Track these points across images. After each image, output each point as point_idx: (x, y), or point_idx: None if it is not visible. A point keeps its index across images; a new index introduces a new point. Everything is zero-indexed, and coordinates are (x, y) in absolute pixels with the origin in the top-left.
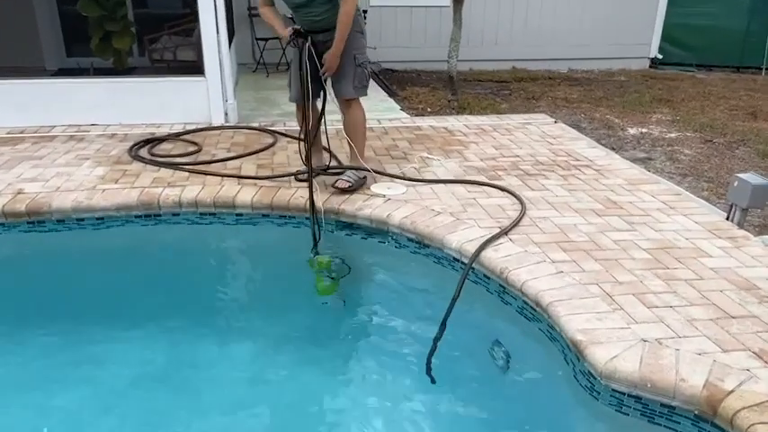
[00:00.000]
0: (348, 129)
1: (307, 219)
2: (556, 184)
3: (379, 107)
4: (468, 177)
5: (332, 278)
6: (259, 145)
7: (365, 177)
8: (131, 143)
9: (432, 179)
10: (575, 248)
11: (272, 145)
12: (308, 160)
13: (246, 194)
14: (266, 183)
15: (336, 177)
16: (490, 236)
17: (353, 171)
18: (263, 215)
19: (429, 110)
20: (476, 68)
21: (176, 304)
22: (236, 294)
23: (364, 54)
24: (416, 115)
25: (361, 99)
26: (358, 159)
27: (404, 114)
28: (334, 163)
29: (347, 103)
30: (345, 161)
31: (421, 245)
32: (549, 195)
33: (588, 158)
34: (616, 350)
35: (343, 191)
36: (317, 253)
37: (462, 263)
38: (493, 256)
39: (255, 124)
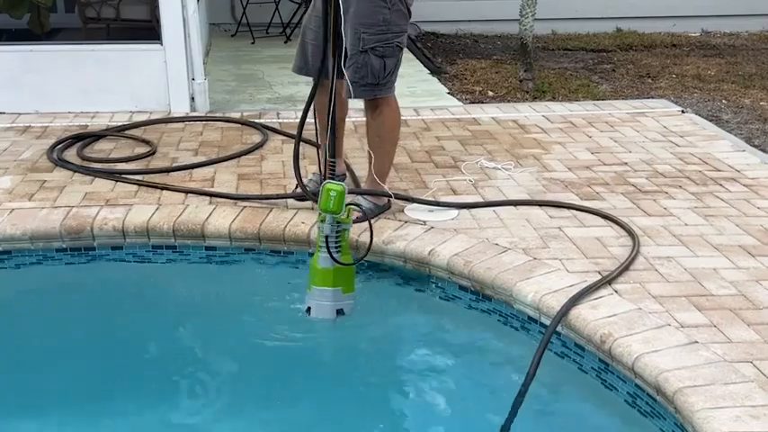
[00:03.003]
0: (369, 135)
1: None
2: (685, 207)
3: (417, 90)
4: (549, 196)
5: (337, 247)
6: (241, 145)
7: (387, 205)
8: (53, 141)
9: (494, 201)
10: (715, 306)
11: (260, 145)
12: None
13: (222, 218)
14: (252, 201)
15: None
16: (585, 285)
17: (368, 198)
18: (247, 249)
19: (491, 94)
20: (561, 31)
21: (115, 387)
22: (207, 375)
23: (382, 35)
24: (472, 102)
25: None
26: (377, 180)
27: (453, 101)
28: (347, 180)
29: (368, 102)
30: (361, 178)
31: (479, 296)
32: (675, 224)
33: (734, 168)
34: None
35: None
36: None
37: (542, 325)
38: (589, 317)
39: (236, 115)
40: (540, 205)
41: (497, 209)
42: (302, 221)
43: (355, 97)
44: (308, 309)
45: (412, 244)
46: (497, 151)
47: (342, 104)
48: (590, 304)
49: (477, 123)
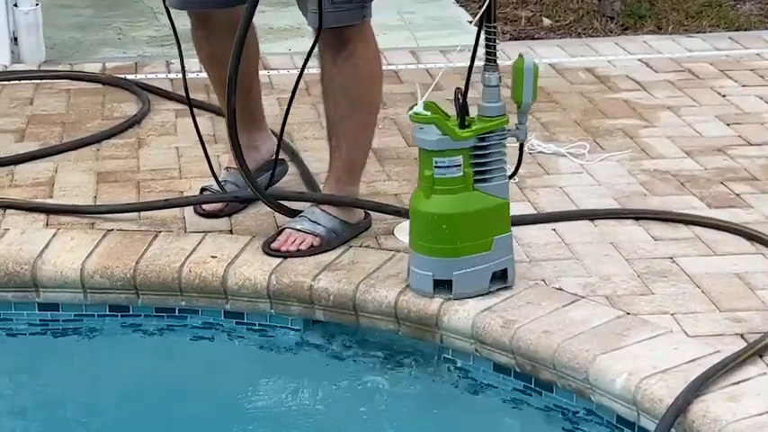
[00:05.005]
0: (331, 97)
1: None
2: None
3: (416, 18)
4: (653, 203)
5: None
6: (103, 120)
7: (365, 222)
8: None
9: (554, 212)
10: None
11: (137, 121)
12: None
13: (69, 252)
14: (123, 222)
15: (282, 225)
16: (718, 360)
17: (329, 211)
18: (114, 308)
19: (548, 22)
20: None
21: None
22: None
23: None
24: (515, 38)
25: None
26: (346, 178)
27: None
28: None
29: (333, 37)
30: (320, 176)
31: (530, 382)
32: None
33: None
34: None
35: (291, 255)
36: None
37: (643, 430)
38: (726, 415)
39: (93, 67)
40: (636, 218)
41: (560, 226)
42: (211, 255)
43: (327, 25)
44: (437, 282)
45: (408, 293)
46: (560, 124)
47: (249, 47)
48: (727, 393)
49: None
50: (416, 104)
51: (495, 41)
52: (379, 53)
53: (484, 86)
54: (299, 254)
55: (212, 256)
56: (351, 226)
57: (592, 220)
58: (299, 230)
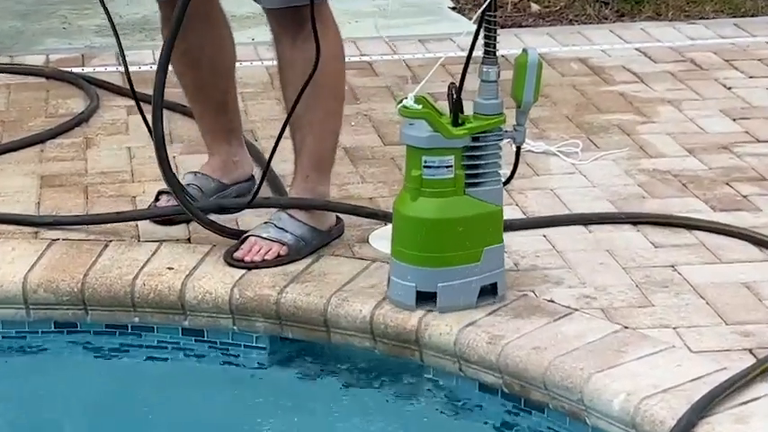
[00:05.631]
0: (291, 86)
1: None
2: None
3: (389, 3)
4: (652, 205)
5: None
6: (46, 118)
7: (336, 228)
8: None
9: (544, 217)
10: None
11: (85, 118)
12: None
13: (9, 264)
14: (70, 231)
15: (246, 233)
16: (725, 379)
17: (297, 217)
18: (60, 324)
19: (536, 8)
20: None
21: None
22: None
23: None
24: (499, 25)
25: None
26: (314, 177)
27: (463, 22)
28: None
29: (290, 18)
30: (287, 178)
31: (519, 403)
32: None
33: None
34: None
35: (255, 266)
36: None
37: None
38: None
39: (35, 59)
40: (634, 223)
41: (551, 232)
42: (168, 266)
43: (285, 5)
44: (421, 294)
45: (385, 306)
46: (551, 120)
47: (220, 39)
48: (735, 414)
49: (509, 65)
50: (406, 98)
51: (495, 33)
52: (339, 33)
53: (481, 81)
54: (264, 264)
55: (168, 268)
56: (321, 233)
57: (586, 225)
58: (264, 238)
